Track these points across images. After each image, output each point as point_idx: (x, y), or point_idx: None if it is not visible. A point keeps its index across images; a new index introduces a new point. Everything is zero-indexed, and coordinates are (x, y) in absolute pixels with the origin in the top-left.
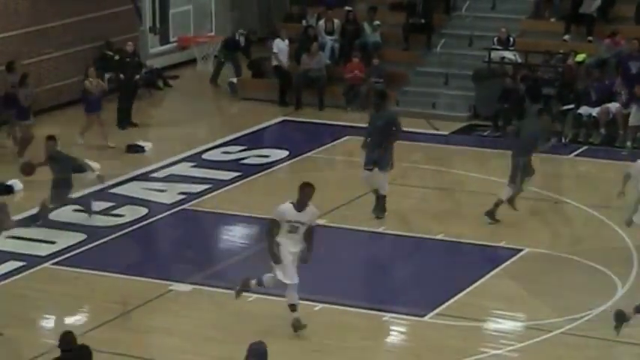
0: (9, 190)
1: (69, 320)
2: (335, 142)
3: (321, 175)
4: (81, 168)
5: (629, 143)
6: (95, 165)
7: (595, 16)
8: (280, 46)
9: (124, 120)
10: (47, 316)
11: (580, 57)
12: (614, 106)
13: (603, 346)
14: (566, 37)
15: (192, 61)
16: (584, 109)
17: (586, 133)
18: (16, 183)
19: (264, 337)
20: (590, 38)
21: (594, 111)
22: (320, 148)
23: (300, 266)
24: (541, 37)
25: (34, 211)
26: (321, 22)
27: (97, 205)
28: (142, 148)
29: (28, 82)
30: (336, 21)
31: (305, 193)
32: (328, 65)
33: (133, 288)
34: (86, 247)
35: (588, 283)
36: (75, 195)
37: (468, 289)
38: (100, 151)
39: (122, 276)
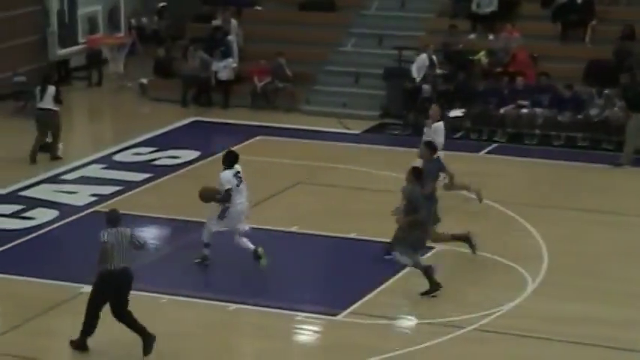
0: None
1: None
2: (247, 142)
3: None
4: None
5: None
6: None
7: (496, 14)
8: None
9: None
10: None
11: (480, 55)
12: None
13: (515, 342)
14: (472, 35)
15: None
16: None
17: (491, 131)
18: None
19: (175, 339)
20: (490, 37)
21: (502, 109)
22: (232, 148)
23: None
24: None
25: None
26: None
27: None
28: None
29: None
30: (233, 21)
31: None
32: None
33: (44, 291)
34: None
35: (499, 280)
36: None
37: (379, 288)
38: (15, 151)
39: (33, 279)
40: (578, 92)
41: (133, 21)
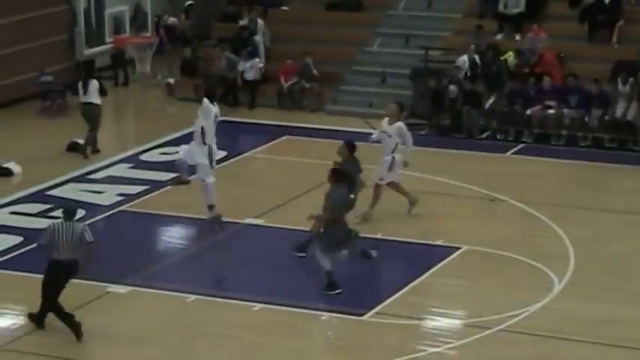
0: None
1: (5, 324)
2: (273, 142)
3: (259, 175)
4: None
5: None
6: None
7: (524, 15)
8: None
9: None
10: None
11: (507, 55)
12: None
13: (541, 343)
14: (499, 36)
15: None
16: (517, 108)
17: (517, 131)
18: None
19: (201, 338)
20: (517, 37)
21: (527, 110)
22: (258, 148)
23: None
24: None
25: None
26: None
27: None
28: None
29: None
30: (259, 21)
31: None
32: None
33: (70, 290)
34: (23, 250)
35: (525, 281)
36: None
37: (406, 288)
38: (42, 151)
39: None
40: (605, 90)
41: (161, 20)
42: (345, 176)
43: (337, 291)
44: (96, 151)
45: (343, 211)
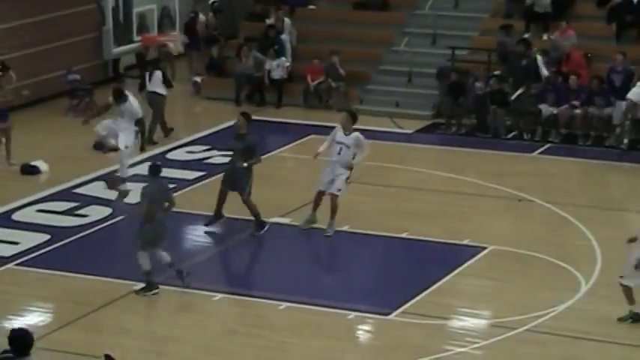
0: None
1: (32, 321)
2: (299, 141)
3: (285, 175)
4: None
5: (626, 141)
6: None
7: (550, 14)
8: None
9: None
10: (10, 317)
11: (534, 53)
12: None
13: (567, 343)
14: (526, 35)
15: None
16: (544, 108)
17: (544, 132)
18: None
19: (226, 336)
20: (544, 36)
21: (554, 110)
22: (284, 147)
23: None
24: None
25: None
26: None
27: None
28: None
29: (2, 84)
30: (286, 20)
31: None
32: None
33: (97, 288)
34: (50, 248)
35: (552, 281)
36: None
37: (432, 288)
38: (69, 149)
39: (86, 276)
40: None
41: (189, 19)
42: (159, 169)
43: (155, 291)
44: (152, 142)
45: (159, 207)
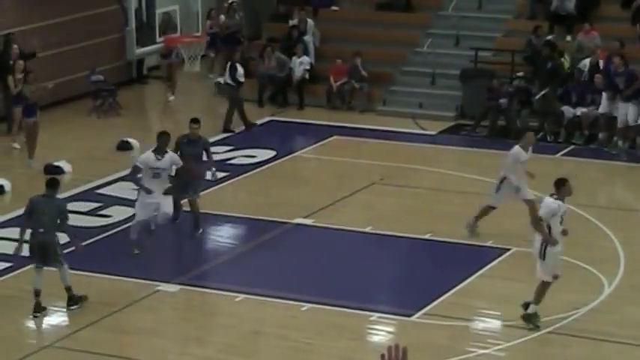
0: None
1: (55, 321)
2: (322, 142)
3: (308, 175)
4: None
5: (620, 143)
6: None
7: (574, 15)
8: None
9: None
10: (34, 316)
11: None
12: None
13: (591, 345)
14: (551, 36)
15: None
16: (566, 110)
17: (568, 134)
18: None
19: (250, 337)
20: (568, 38)
21: (577, 111)
22: (307, 148)
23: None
24: (527, 36)
25: None
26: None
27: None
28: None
29: (31, 79)
30: (309, 21)
31: (162, 140)
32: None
33: (120, 288)
34: (72, 248)
35: (575, 283)
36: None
37: (455, 289)
38: (93, 150)
39: (109, 276)
40: None
41: (211, 20)
42: (55, 183)
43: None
44: (228, 130)
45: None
